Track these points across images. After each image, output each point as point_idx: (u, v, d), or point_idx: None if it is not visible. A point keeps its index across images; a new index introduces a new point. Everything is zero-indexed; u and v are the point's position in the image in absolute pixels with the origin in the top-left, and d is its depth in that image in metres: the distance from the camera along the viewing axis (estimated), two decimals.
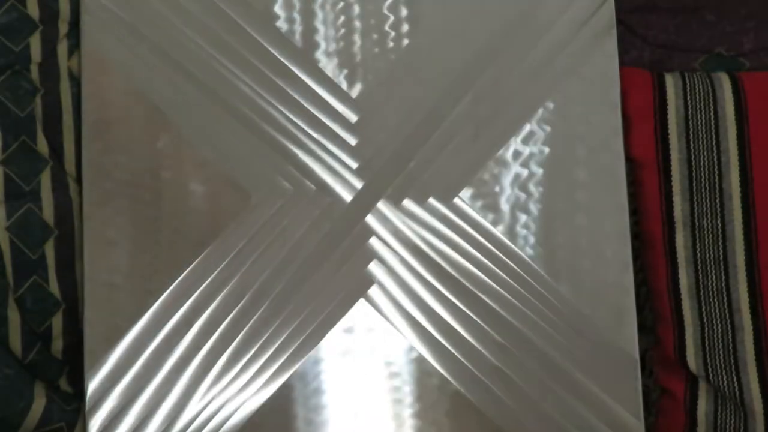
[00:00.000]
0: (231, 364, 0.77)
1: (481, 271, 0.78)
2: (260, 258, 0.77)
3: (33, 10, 0.80)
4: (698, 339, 0.79)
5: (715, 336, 0.78)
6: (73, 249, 0.80)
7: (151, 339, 0.76)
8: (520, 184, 0.79)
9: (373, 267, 0.78)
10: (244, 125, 0.78)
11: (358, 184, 0.78)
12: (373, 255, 0.78)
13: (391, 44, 0.80)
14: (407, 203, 0.78)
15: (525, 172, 0.79)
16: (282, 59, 0.79)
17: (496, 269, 0.78)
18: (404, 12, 0.80)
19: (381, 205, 0.78)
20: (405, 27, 0.80)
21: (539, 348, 0.77)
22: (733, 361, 0.78)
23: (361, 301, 0.78)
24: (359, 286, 0.78)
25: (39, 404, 0.76)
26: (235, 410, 0.76)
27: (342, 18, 0.80)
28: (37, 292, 0.78)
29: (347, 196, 0.78)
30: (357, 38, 0.80)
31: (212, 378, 0.76)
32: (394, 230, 0.78)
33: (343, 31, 0.80)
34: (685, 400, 0.80)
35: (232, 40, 0.79)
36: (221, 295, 0.77)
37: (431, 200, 0.78)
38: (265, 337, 0.77)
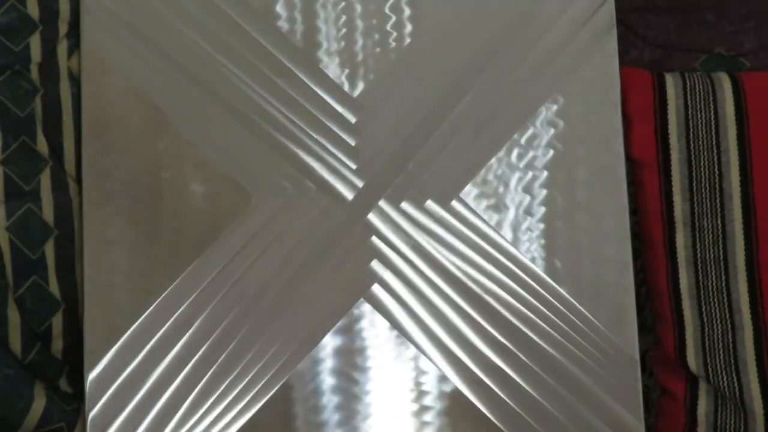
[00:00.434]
0: (231, 363, 0.76)
1: (481, 271, 0.78)
2: (260, 258, 0.77)
3: (33, 10, 0.80)
4: (698, 339, 0.79)
5: (715, 336, 0.78)
6: (73, 249, 0.79)
7: (150, 339, 0.76)
8: (520, 184, 0.79)
9: (373, 267, 0.78)
10: (244, 125, 0.78)
11: (359, 184, 0.78)
12: (373, 255, 0.78)
13: (392, 44, 0.80)
14: (407, 203, 0.78)
15: (525, 173, 0.79)
16: (282, 59, 0.79)
17: (496, 269, 0.78)
18: (405, 12, 0.80)
19: (381, 205, 0.78)
20: (406, 27, 0.80)
21: (539, 348, 0.77)
22: (733, 361, 0.78)
23: (362, 300, 0.78)
24: (359, 285, 0.78)
25: (39, 404, 0.76)
26: (235, 410, 0.76)
27: (343, 18, 0.80)
28: (37, 292, 0.78)
29: (347, 196, 0.78)
30: (358, 38, 0.80)
31: (212, 377, 0.76)
32: (394, 230, 0.78)
33: (344, 30, 0.80)
34: (685, 400, 0.80)
35: (232, 40, 0.79)
36: (221, 294, 0.77)
37: (430, 201, 0.78)
38: (265, 336, 0.77)
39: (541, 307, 0.78)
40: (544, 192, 0.79)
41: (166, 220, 0.78)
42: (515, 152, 0.79)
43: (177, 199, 0.78)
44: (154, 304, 0.77)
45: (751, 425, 0.77)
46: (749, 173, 0.79)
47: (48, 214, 0.79)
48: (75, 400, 0.78)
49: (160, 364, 0.76)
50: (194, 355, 0.76)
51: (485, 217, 0.79)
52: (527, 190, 0.79)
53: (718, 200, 0.79)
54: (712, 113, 0.80)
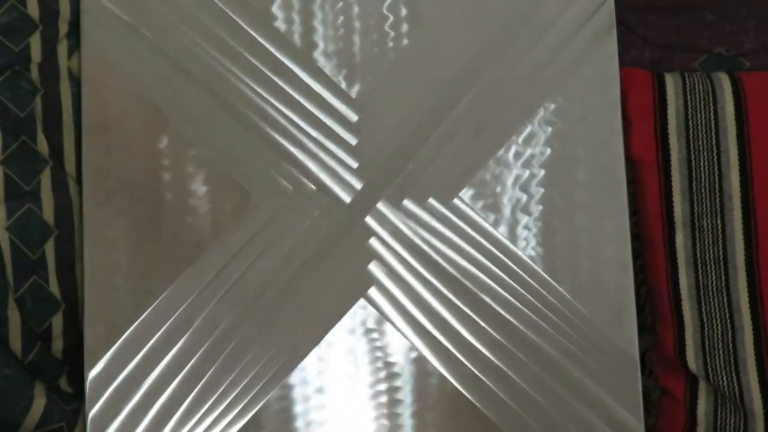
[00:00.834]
0: (231, 363, 0.76)
1: (481, 271, 0.78)
2: (260, 258, 0.77)
3: (33, 10, 0.80)
4: (698, 339, 0.79)
5: (715, 336, 0.78)
6: (73, 249, 0.79)
7: (151, 339, 0.76)
8: (521, 184, 0.79)
9: (374, 267, 0.78)
10: (244, 125, 0.78)
11: (358, 185, 0.78)
12: (374, 255, 0.78)
13: (391, 44, 0.80)
14: (407, 203, 0.78)
15: (525, 173, 0.79)
16: (282, 59, 0.79)
17: (496, 269, 0.78)
18: (404, 12, 0.80)
19: (381, 205, 0.78)
20: (405, 27, 0.80)
21: (539, 348, 0.77)
22: (733, 361, 0.78)
23: (361, 300, 0.78)
24: (359, 285, 0.78)
25: (39, 404, 0.76)
26: (235, 410, 0.76)
27: (341, 18, 0.80)
28: (37, 292, 0.78)
29: (347, 197, 0.78)
30: (356, 38, 0.80)
31: (212, 377, 0.76)
32: (394, 230, 0.78)
33: (342, 31, 0.80)
34: (685, 400, 0.80)
35: (232, 40, 0.79)
36: (221, 294, 0.77)
37: (431, 200, 0.78)
38: (265, 336, 0.77)
39: (542, 307, 0.78)
40: (544, 192, 0.79)
41: (166, 220, 0.78)
42: (515, 152, 0.79)
43: (177, 199, 0.78)
44: (154, 304, 0.77)
45: (751, 425, 0.77)
46: (749, 173, 0.79)
47: (48, 214, 0.79)
48: (75, 400, 0.78)
49: (160, 364, 0.76)
50: (194, 355, 0.76)
51: (485, 216, 0.79)
52: (526, 189, 0.79)
53: (717, 200, 0.79)
54: (711, 113, 0.80)
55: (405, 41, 0.80)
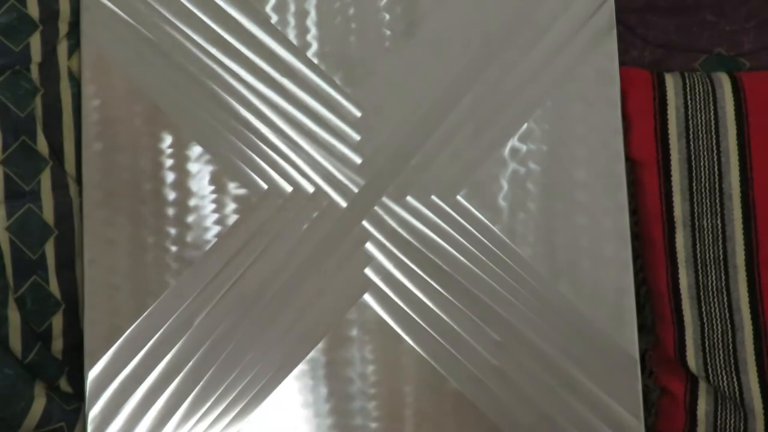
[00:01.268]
0: (230, 364, 0.76)
1: (481, 271, 0.78)
2: (260, 258, 0.77)
3: (33, 10, 0.80)
4: (698, 339, 0.79)
5: (715, 336, 0.78)
6: (73, 249, 0.80)
7: (151, 339, 0.76)
8: (521, 184, 0.79)
9: (373, 267, 0.78)
10: (244, 126, 0.78)
11: (359, 185, 0.78)
12: (374, 255, 0.78)
13: (390, 44, 0.80)
14: (407, 202, 0.78)
15: (525, 172, 0.79)
16: (282, 59, 0.79)
17: (495, 269, 0.78)
18: (403, 11, 0.80)
19: (381, 205, 0.78)
20: (403, 26, 0.80)
21: (539, 348, 0.77)
22: (733, 361, 0.78)
23: (361, 301, 0.78)
24: (359, 285, 0.78)
25: (39, 404, 0.76)
26: (235, 410, 0.76)
27: (339, 18, 0.80)
28: (37, 292, 0.78)
29: (347, 197, 0.78)
30: (355, 38, 0.80)
31: (212, 378, 0.76)
32: (395, 230, 0.78)
33: (341, 31, 0.80)
34: (685, 400, 0.80)
35: (232, 40, 0.79)
36: (220, 294, 0.77)
37: (434, 197, 0.78)
38: (265, 336, 0.77)
39: (541, 307, 0.78)
40: (544, 192, 0.79)
41: (167, 220, 0.78)
42: (516, 151, 0.79)
43: (177, 199, 0.78)
44: (154, 304, 0.77)
45: (751, 425, 0.77)
46: (749, 173, 0.79)
47: (48, 214, 0.79)
48: (75, 400, 0.78)
49: (160, 364, 0.76)
50: (194, 355, 0.76)
51: (485, 216, 0.79)
52: (526, 189, 0.79)
53: (717, 200, 0.79)
54: (711, 113, 0.80)
55: (404, 41, 0.80)
